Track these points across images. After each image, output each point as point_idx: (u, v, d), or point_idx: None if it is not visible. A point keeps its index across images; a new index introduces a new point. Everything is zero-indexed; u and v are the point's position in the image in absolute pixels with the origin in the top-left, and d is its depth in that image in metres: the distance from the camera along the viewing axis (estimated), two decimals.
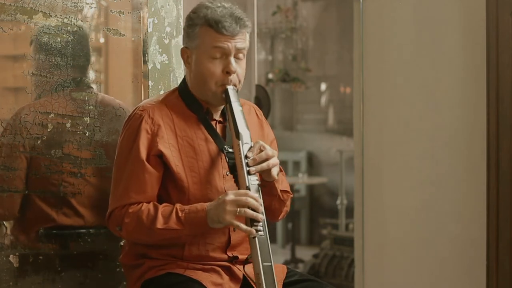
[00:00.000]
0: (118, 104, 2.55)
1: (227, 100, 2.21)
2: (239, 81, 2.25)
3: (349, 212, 5.79)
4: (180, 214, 2.16)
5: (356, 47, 3.51)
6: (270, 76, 7.67)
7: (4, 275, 2.38)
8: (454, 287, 3.31)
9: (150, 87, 2.59)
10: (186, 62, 2.28)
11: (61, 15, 2.43)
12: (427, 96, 3.34)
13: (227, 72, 2.21)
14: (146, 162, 2.20)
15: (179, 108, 2.28)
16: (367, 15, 3.46)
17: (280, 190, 2.30)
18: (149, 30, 2.58)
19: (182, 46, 2.29)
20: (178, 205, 2.19)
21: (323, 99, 7.65)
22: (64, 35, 2.44)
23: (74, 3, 2.45)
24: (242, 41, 2.22)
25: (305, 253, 6.57)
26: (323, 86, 7.63)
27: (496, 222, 3.13)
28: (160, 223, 2.16)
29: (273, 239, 7.15)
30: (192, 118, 2.27)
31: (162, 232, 2.16)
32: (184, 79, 2.34)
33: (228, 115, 2.22)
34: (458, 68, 3.26)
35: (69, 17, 2.44)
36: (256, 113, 2.43)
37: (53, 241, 2.46)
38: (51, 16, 2.41)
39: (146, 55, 2.59)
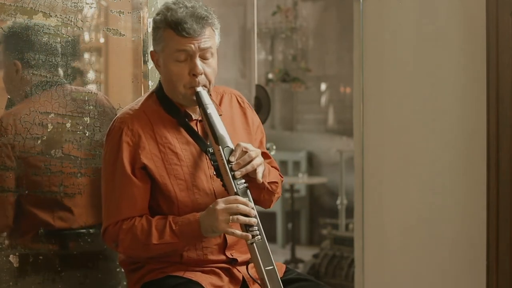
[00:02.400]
0: (118, 104, 2.55)
1: (199, 104, 2.18)
2: (209, 81, 2.20)
3: (349, 212, 5.79)
4: (174, 226, 2.15)
5: (356, 47, 3.51)
6: (270, 76, 7.67)
7: (4, 275, 2.38)
8: (454, 287, 3.31)
9: (150, 87, 2.59)
10: (157, 65, 2.25)
11: (61, 15, 2.43)
12: (427, 96, 3.34)
13: (193, 74, 2.17)
14: (132, 176, 2.19)
15: (157, 114, 2.25)
16: (367, 15, 3.46)
17: (269, 182, 2.28)
18: (149, 30, 2.58)
19: (151, 50, 2.26)
20: (171, 218, 2.17)
21: (323, 99, 7.65)
22: (64, 35, 2.44)
23: (74, 3, 2.45)
24: (206, 40, 2.17)
25: (305, 253, 6.57)
26: (323, 86, 7.63)
27: (496, 222, 3.13)
28: (155, 238, 2.15)
29: (273, 239, 7.15)
30: (171, 123, 2.25)
31: (158, 247, 2.16)
32: (160, 81, 2.31)
33: (203, 119, 2.19)
34: (458, 68, 3.26)
35: (69, 17, 2.44)
36: (237, 100, 2.39)
37: (53, 241, 2.46)
38: (51, 16, 2.41)
39: (146, 55, 2.59)
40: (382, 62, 3.45)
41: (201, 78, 2.18)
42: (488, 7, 3.11)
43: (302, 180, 7.12)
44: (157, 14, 2.21)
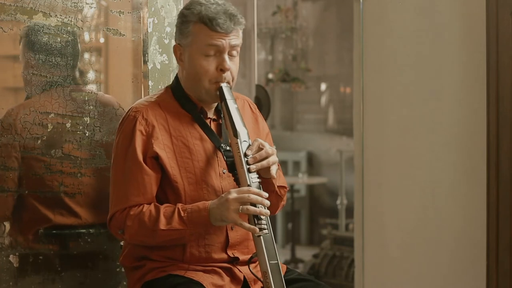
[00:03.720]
0: (118, 104, 2.55)
1: (222, 98, 2.20)
2: (233, 78, 2.24)
3: (349, 212, 5.79)
4: (182, 214, 2.15)
5: (356, 47, 3.51)
6: (270, 76, 7.66)
7: (4, 275, 2.38)
8: (454, 287, 3.31)
9: (150, 87, 2.59)
10: (179, 60, 2.27)
11: (61, 15, 2.43)
12: (427, 96, 3.34)
13: (221, 69, 2.20)
14: (143, 163, 2.19)
15: (172, 107, 2.27)
16: (367, 15, 3.46)
17: (277, 186, 2.30)
18: (149, 30, 2.58)
19: (175, 43, 2.27)
20: (180, 205, 2.18)
21: (323, 99, 7.65)
22: (64, 35, 2.44)
23: (74, 3, 2.45)
24: (236, 38, 2.22)
25: (305, 253, 6.57)
26: (323, 86, 7.63)
27: (496, 222, 3.13)
28: (163, 224, 2.15)
29: None
30: (186, 118, 2.26)
31: (165, 233, 2.16)
32: (176, 77, 2.32)
33: (224, 113, 2.21)
34: (458, 68, 3.26)
35: (69, 17, 2.44)
36: (250, 107, 2.42)
37: (53, 241, 2.46)
38: (51, 16, 2.41)
39: (146, 55, 2.59)
40: (382, 62, 3.45)
41: (227, 74, 2.21)
42: (488, 7, 3.11)
43: (302, 180, 7.13)
44: (187, 9, 2.23)
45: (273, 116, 7.74)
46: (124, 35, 2.55)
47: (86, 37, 2.51)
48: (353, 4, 3.51)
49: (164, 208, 2.18)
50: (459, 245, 3.29)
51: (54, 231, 2.46)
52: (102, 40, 2.56)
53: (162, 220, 2.16)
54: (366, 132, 3.48)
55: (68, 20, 2.44)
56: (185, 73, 2.27)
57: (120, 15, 2.54)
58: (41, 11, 2.39)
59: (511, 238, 3.10)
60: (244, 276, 2.25)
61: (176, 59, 2.29)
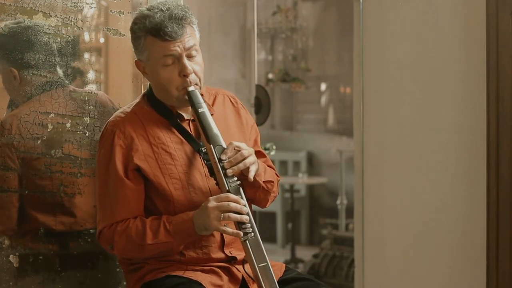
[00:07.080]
0: (118, 104, 2.55)
1: (191, 104, 2.18)
2: (200, 78, 2.21)
3: (349, 212, 5.79)
4: (168, 226, 2.16)
5: (356, 47, 3.51)
6: (270, 76, 7.66)
7: (4, 275, 2.38)
8: (454, 287, 3.31)
9: None
10: (144, 73, 2.25)
11: (61, 15, 2.43)
12: (427, 96, 3.34)
13: (184, 75, 2.17)
14: (125, 179, 2.19)
15: (149, 115, 2.25)
16: (367, 15, 3.46)
17: (264, 181, 2.28)
18: None
19: (136, 59, 2.26)
20: (165, 217, 2.18)
21: (323, 99, 7.64)
22: (64, 35, 2.44)
23: (74, 3, 2.46)
24: (190, 38, 2.17)
25: (305, 253, 6.57)
26: (323, 86, 7.62)
27: (496, 222, 3.13)
28: (149, 238, 2.16)
29: (273, 239, 7.16)
30: (164, 123, 2.25)
31: (153, 247, 2.17)
32: (150, 85, 2.31)
33: (195, 119, 2.19)
34: (458, 68, 3.26)
35: (69, 17, 2.45)
36: (231, 101, 2.39)
37: (53, 241, 2.46)
38: (51, 16, 2.41)
39: None
40: (382, 62, 3.45)
41: (192, 77, 2.19)
42: (488, 7, 3.12)
43: (302, 180, 7.12)
44: (134, 24, 2.20)
45: (273, 116, 7.74)
46: (124, 35, 2.55)
47: (86, 37, 2.51)
48: (353, 4, 3.51)
49: (150, 222, 2.18)
50: (459, 245, 3.29)
51: (54, 231, 2.46)
52: (102, 40, 2.56)
53: (149, 234, 2.16)
54: (366, 132, 3.48)
55: (68, 20, 2.44)
56: (153, 85, 2.26)
57: (120, 15, 2.54)
58: (41, 11, 2.39)
59: (511, 238, 3.10)
60: (242, 276, 2.26)
61: (142, 73, 2.27)
